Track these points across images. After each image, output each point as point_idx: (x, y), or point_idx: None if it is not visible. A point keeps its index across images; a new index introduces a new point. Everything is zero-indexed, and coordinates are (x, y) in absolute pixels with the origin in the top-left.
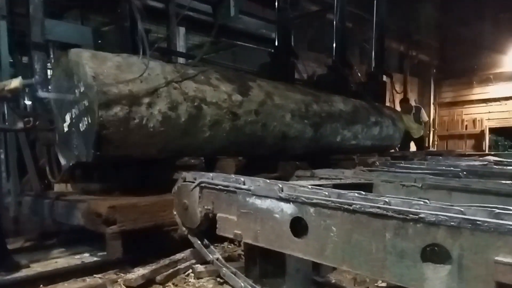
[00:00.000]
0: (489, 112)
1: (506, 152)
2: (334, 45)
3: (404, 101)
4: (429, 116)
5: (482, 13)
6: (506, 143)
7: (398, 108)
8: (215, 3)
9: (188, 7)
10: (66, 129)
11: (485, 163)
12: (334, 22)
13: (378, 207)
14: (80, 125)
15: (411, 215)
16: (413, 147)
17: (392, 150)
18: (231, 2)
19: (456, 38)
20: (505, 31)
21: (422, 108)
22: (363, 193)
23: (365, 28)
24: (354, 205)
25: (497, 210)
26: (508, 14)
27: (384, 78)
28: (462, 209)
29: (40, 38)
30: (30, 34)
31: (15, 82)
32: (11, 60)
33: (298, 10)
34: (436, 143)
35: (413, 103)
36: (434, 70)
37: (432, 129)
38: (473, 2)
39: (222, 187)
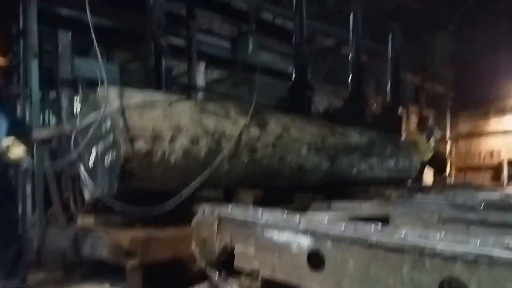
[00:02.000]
0: (507, 144)
1: None
2: (350, 78)
3: (424, 119)
4: (445, 148)
5: (497, 44)
6: None
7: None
8: (234, 39)
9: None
10: (91, 163)
11: (503, 195)
12: (350, 56)
13: (395, 241)
14: (105, 159)
15: (428, 249)
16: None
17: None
18: (249, 38)
19: (471, 69)
20: None
21: (436, 127)
22: (380, 226)
23: (380, 61)
24: (371, 239)
25: None
26: None
27: (400, 110)
28: (479, 243)
29: (68, 75)
30: (58, 70)
31: (18, 151)
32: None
33: (313, 44)
34: (453, 175)
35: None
36: (450, 102)
37: (449, 161)
38: (487, 33)
39: (240, 220)
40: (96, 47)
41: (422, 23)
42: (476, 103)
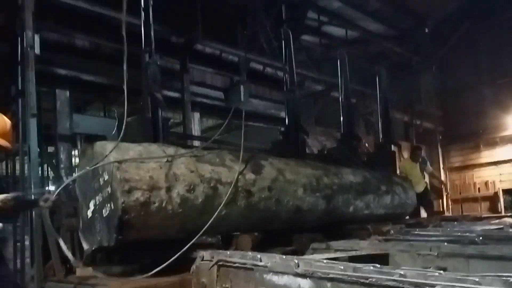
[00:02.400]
0: (500, 174)
1: None
2: (342, 119)
3: (417, 149)
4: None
5: (481, 79)
6: None
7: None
8: (226, 89)
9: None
10: (89, 215)
11: (501, 226)
12: (340, 99)
13: (394, 280)
14: (103, 211)
15: (427, 287)
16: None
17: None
18: (241, 89)
19: (458, 104)
20: (505, 95)
21: (428, 162)
22: (379, 266)
23: (368, 102)
24: (370, 279)
25: None
26: (506, 79)
27: (392, 147)
28: (477, 279)
29: (66, 131)
30: (56, 127)
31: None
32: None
33: (303, 89)
34: (450, 207)
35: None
36: (440, 137)
37: (445, 193)
38: (472, 69)
39: (239, 265)
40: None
41: (405, 65)
42: (465, 137)
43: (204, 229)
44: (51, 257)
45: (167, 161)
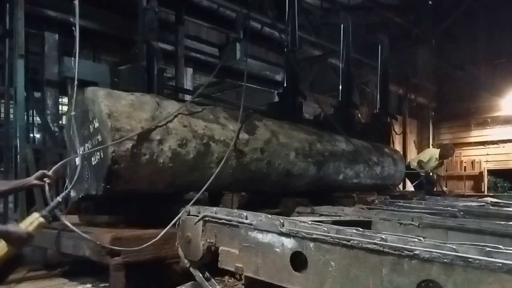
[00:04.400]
0: (487, 154)
1: (506, 193)
2: (340, 86)
3: (451, 149)
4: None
5: (477, 58)
6: (505, 184)
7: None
8: (222, 46)
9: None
10: (77, 162)
11: (483, 204)
12: (340, 66)
13: (375, 243)
14: (92, 159)
15: (406, 252)
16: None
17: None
18: (237, 46)
19: (453, 82)
20: (500, 76)
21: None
22: (361, 229)
23: (364, 72)
24: (352, 241)
25: (488, 248)
26: (503, 59)
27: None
28: (454, 247)
29: (54, 76)
30: (44, 71)
31: (34, 224)
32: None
33: (301, 53)
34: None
35: (412, 144)
36: (433, 113)
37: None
38: (469, 47)
39: (225, 221)
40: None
41: (404, 36)
42: (457, 115)
43: (203, 189)
44: (35, 202)
45: (160, 112)
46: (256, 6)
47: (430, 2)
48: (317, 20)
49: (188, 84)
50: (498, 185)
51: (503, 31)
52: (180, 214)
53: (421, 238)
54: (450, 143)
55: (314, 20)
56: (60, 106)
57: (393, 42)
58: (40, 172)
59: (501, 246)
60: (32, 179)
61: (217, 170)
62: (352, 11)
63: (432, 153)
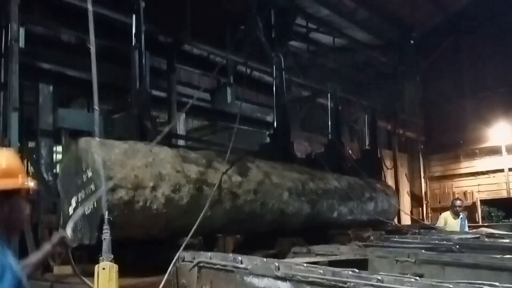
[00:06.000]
0: (479, 185)
1: (500, 222)
2: (330, 125)
3: (455, 199)
4: (420, 190)
5: (463, 91)
6: (499, 213)
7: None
8: (213, 90)
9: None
10: (71, 212)
11: (478, 236)
12: (329, 105)
13: (372, 285)
14: (86, 208)
15: None
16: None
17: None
18: (228, 90)
19: (440, 115)
20: (485, 108)
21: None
22: (357, 271)
23: (352, 110)
24: (348, 283)
25: (485, 287)
26: (487, 92)
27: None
28: (451, 286)
29: (48, 126)
30: (39, 121)
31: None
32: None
33: (290, 94)
34: (430, 215)
35: (404, 177)
36: (422, 146)
37: (424, 202)
38: (454, 81)
39: (220, 266)
40: None
41: (391, 74)
42: (446, 147)
43: (192, 231)
44: (28, 254)
45: (153, 159)
46: (247, 54)
47: (412, 42)
48: (304, 62)
49: (181, 128)
50: (492, 214)
51: (487, 65)
52: (174, 261)
53: (417, 278)
54: (453, 198)
55: (301, 62)
56: (54, 155)
57: (379, 79)
58: (58, 236)
59: (497, 284)
60: (53, 246)
61: (202, 213)
62: (337, 52)
63: (444, 216)
